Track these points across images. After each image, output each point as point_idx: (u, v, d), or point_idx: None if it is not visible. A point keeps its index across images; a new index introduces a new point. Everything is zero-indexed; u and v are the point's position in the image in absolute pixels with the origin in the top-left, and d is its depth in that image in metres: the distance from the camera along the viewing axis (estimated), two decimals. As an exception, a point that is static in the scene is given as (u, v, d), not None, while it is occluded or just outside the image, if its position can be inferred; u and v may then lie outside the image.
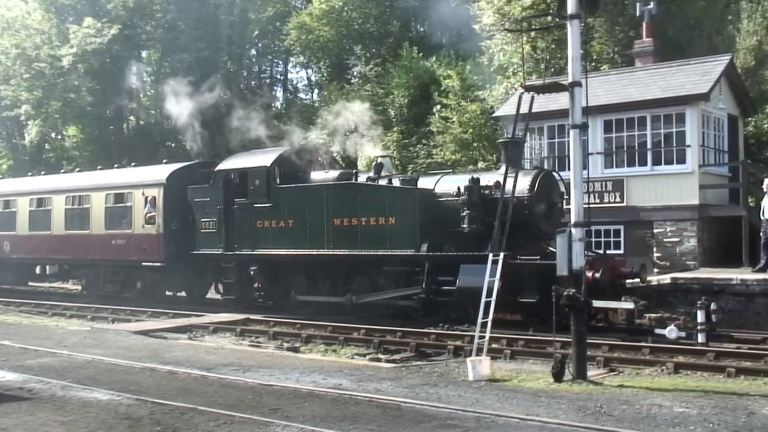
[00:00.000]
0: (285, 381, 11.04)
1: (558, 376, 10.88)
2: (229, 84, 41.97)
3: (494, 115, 23.63)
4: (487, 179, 16.26)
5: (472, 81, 28.46)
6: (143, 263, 22.12)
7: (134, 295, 22.93)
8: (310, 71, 46.98)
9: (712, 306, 13.10)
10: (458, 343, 14.07)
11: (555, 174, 17.10)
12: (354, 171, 19.18)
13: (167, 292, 23.61)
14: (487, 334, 11.91)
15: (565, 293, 10.88)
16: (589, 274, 13.93)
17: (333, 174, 19.10)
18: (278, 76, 49.58)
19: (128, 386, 10.51)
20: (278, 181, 19.16)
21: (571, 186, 11.22)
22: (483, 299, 11.93)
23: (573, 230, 11.06)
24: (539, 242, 16.21)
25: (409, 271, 16.79)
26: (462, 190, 16.10)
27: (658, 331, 13.27)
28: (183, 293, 23.59)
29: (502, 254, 12.33)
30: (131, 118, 41.99)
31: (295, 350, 14.64)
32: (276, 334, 16.20)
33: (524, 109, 14.33)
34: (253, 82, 47.58)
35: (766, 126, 22.09)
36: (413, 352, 13.98)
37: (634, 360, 12.45)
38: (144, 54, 43.05)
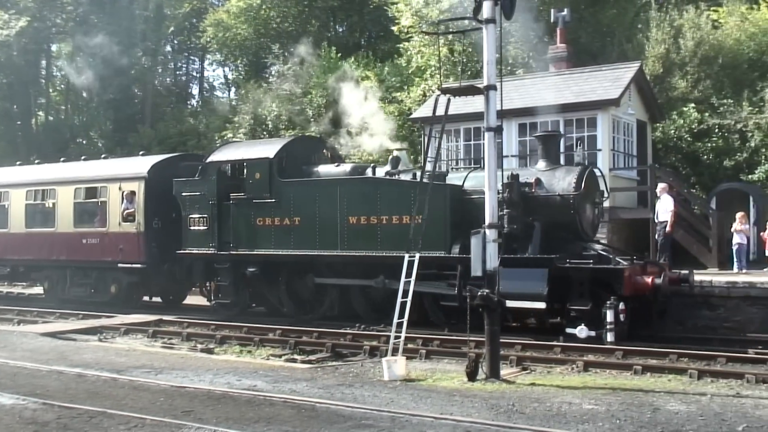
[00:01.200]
0: (198, 383, 10.84)
1: (472, 375, 11.02)
2: (144, 80, 41.19)
3: (411, 116, 23.81)
4: (526, 176, 14.94)
5: (390, 82, 28.60)
6: (120, 265, 20.10)
7: (107, 299, 20.72)
8: (227, 69, 46.45)
9: (621, 306, 13.45)
10: (374, 343, 14.10)
11: (597, 170, 16.00)
12: (372, 165, 17.48)
13: (144, 297, 21.49)
14: (403, 334, 11.96)
15: (479, 293, 11.04)
16: (649, 279, 13.75)
17: (345, 167, 17.45)
18: (194, 74, 48.86)
19: (34, 390, 10.13)
20: (282, 175, 17.37)
21: (486, 188, 11.39)
22: (399, 299, 11.97)
23: (487, 231, 11.23)
24: (581, 244, 15.20)
25: (436, 275, 15.20)
26: (499, 187, 14.52)
27: (569, 330, 13.57)
28: (158, 298, 21.67)
29: (417, 255, 12.36)
30: (40, 113, 40.61)
31: (210, 351, 14.40)
32: (190, 335, 15.91)
33: (441, 112, 14.43)
34: (168, 79, 46.73)
35: (672, 132, 22.90)
36: (329, 352, 13.95)
37: (546, 359, 12.72)
38: (54, 48, 41.75)
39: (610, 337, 13.06)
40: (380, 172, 16.79)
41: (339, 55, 32.01)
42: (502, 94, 11.50)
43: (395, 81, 28.58)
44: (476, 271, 11.24)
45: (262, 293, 18.37)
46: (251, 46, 38.40)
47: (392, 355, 11.77)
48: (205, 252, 18.29)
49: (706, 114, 22.70)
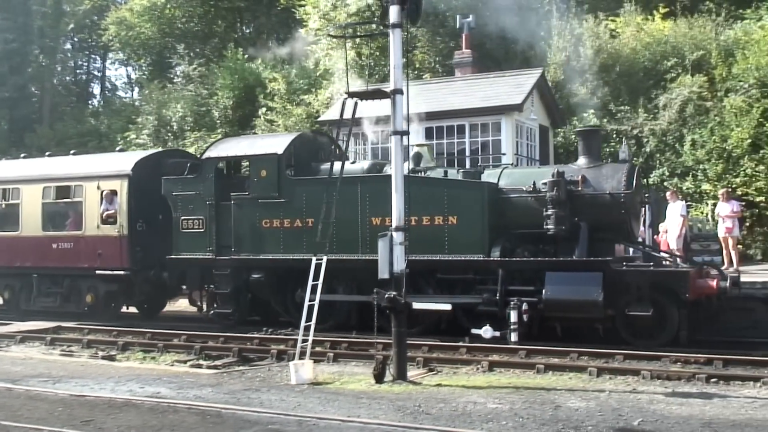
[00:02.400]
0: (99, 391, 10.55)
1: (379, 377, 11.09)
2: (42, 79, 39.77)
3: (319, 119, 23.78)
4: (569, 173, 14.04)
5: (297, 85, 28.51)
6: (98, 271, 18.16)
7: (81, 310, 18.70)
8: (130, 69, 45.35)
9: (524, 306, 13.75)
10: (282, 347, 13.98)
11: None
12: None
13: (124, 308, 19.61)
14: (310, 338, 11.92)
15: (386, 296, 11.12)
16: (713, 282, 13.16)
17: (362, 164, 16.13)
18: (96, 73, 47.50)
19: None
20: (292, 172, 15.97)
21: (393, 191, 11.48)
22: (306, 302, 11.93)
23: (394, 234, 11.32)
24: (628, 246, 14.69)
25: (471, 280, 14.32)
26: (540, 185, 13.86)
27: (474, 331, 13.77)
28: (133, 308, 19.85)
29: (325, 258, 12.34)
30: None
31: (111, 358, 13.99)
32: (90, 342, 15.40)
33: (349, 115, 14.45)
34: (68, 78, 45.29)
35: (573, 137, 23.59)
36: (236, 357, 13.73)
37: (452, 359, 12.88)
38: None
39: (513, 337, 13.31)
40: None
41: (246, 56, 31.70)
42: (408, 97, 11.60)
43: (303, 83, 28.49)
44: (383, 273, 11.29)
45: (265, 301, 16.64)
46: (155, 46, 37.65)
47: (300, 358, 11.72)
48: (201, 257, 16.62)
49: (605, 120, 23.48)
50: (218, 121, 30.19)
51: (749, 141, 20.16)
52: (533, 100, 21.13)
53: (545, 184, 13.71)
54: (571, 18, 26.36)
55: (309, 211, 15.38)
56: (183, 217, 16.87)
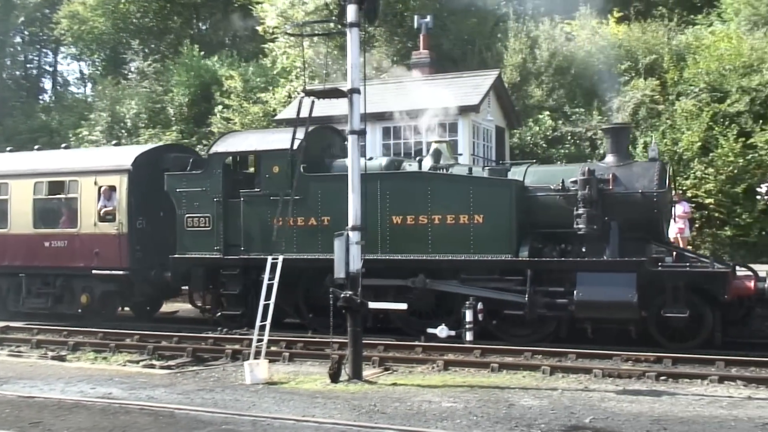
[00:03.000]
0: (48, 392, 10.36)
1: (335, 376, 11.08)
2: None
3: (276, 118, 23.64)
4: (599, 172, 13.67)
5: (254, 83, 28.31)
6: (94, 271, 17.31)
7: (76, 311, 17.81)
8: (83, 64, 44.57)
9: (479, 306, 13.85)
10: (237, 346, 13.88)
11: None
12: (418, 158, 15.67)
13: (120, 309, 18.70)
14: (266, 337, 11.87)
15: (342, 295, 11.12)
16: (751, 283, 12.94)
17: (380, 161, 15.68)
18: (47, 67, 46.61)
19: None
20: (305, 169, 15.21)
21: (350, 191, 11.48)
22: (261, 302, 11.86)
23: (350, 234, 11.32)
24: (659, 246, 14.36)
25: (497, 280, 13.96)
26: (569, 184, 13.54)
27: (430, 330, 13.82)
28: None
29: (281, 257, 12.28)
30: None
31: (62, 359, 13.75)
32: (40, 342, 15.12)
33: (306, 114, 14.40)
34: (18, 72, 44.38)
35: (528, 138, 23.82)
36: (190, 357, 13.60)
37: (408, 359, 12.92)
38: None
39: (469, 336, 13.39)
40: (416, 166, 15.27)
41: (202, 53, 31.39)
42: (365, 97, 11.60)
43: (260, 81, 28.30)
44: (339, 273, 11.28)
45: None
46: (109, 41, 37.02)
47: (255, 358, 11.66)
48: (207, 256, 15.93)
49: (560, 122, 23.76)
50: (173, 119, 29.83)
51: (699, 144, 20.56)
52: (490, 101, 21.27)
53: (573, 182, 13.49)
54: (527, 20, 26.62)
55: (325, 209, 14.90)
56: (188, 215, 16.13)
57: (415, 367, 12.45)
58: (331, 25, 13.05)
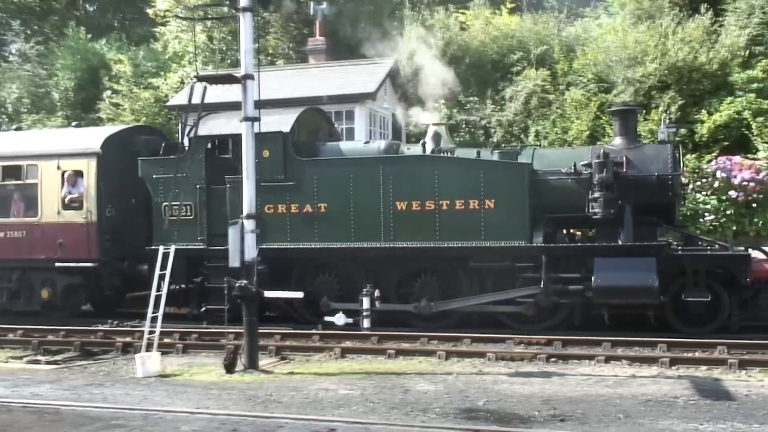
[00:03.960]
0: None
1: (230, 367, 10.92)
2: None
3: (168, 104, 23.05)
4: (612, 154, 13.24)
5: (145, 68, 27.48)
6: (58, 264, 15.88)
7: (33, 307, 16.37)
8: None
9: (377, 293, 13.90)
10: (128, 339, 13.51)
11: None
12: (422, 141, 14.87)
13: (83, 306, 17.12)
14: (158, 329, 11.56)
15: (237, 284, 10.95)
16: None
17: (377, 144, 15.02)
18: None
19: None
20: (299, 152, 14.45)
21: (244, 178, 11.29)
22: (153, 293, 11.54)
23: (245, 222, 11.15)
24: (671, 229, 14.20)
25: (508, 268, 13.49)
26: (581, 167, 13.21)
27: (327, 318, 13.79)
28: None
29: (173, 247, 11.96)
30: None
31: (-63, 357, 13.04)
32: None
33: (198, 99, 14.06)
34: None
35: (425, 125, 24.02)
36: (78, 351, 13.13)
37: (305, 347, 12.86)
38: None
39: (366, 323, 13.44)
40: (417, 150, 14.69)
41: (89, 36, 30.22)
42: (260, 83, 11.42)
43: (151, 66, 27.49)
44: (234, 262, 11.10)
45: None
46: (-13, 21, 35.20)
47: (147, 350, 11.35)
48: (189, 247, 14.59)
49: (455, 110, 24.06)
50: (59, 104, 28.64)
51: (587, 133, 21.19)
52: (386, 89, 21.38)
53: (584, 165, 13.24)
54: (423, 9, 26.82)
55: (322, 195, 14.16)
56: (166, 203, 14.72)
57: (312, 356, 12.40)
58: (225, 9, 12.73)
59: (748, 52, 21.07)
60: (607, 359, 11.33)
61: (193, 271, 15.02)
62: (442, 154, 14.18)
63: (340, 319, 13.40)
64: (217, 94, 15.67)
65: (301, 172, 14.30)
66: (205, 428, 7.86)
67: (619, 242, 12.95)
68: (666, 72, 20.55)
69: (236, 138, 13.79)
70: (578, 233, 15.60)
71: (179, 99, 21.28)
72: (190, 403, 9.04)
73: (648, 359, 11.23)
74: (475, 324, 13.75)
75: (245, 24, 11.16)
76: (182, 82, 24.89)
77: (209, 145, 15.25)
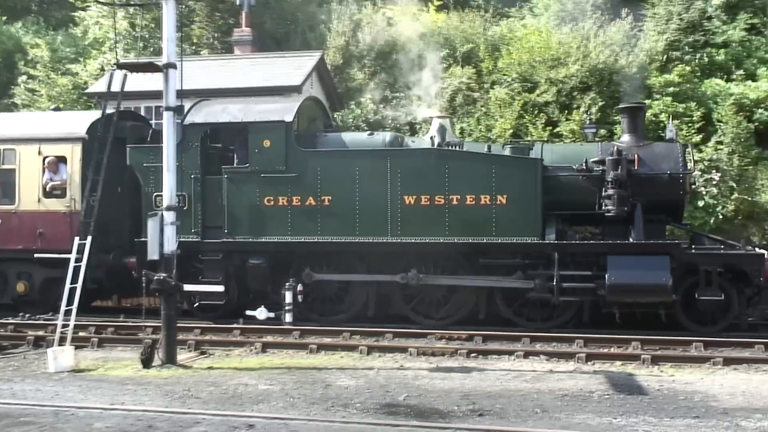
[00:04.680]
0: None
1: (147, 362, 10.71)
2: None
3: (87, 91, 22.40)
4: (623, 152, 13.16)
5: (63, 53, 26.63)
6: (37, 255, 14.84)
7: (8, 301, 15.32)
8: None
9: (299, 287, 13.82)
10: (40, 333, 13.09)
11: None
12: (431, 135, 14.47)
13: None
14: (71, 322, 11.23)
15: (156, 277, 10.72)
16: None
17: (383, 136, 14.50)
18: None
19: None
20: (301, 142, 13.92)
21: (164, 170, 11.05)
22: (67, 285, 11.21)
23: (165, 214, 10.93)
24: (678, 227, 14.14)
25: (519, 265, 13.16)
26: (592, 164, 13.08)
27: (248, 312, 13.65)
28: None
29: (89, 238, 11.64)
30: None
31: None
32: None
33: (117, 87, 13.69)
34: None
35: (351, 120, 23.98)
36: (-14, 345, 12.67)
37: (225, 342, 12.70)
38: None
39: (288, 317, 13.37)
40: (424, 143, 14.36)
41: (5, 18, 29.12)
42: (183, 73, 11.19)
43: (69, 52, 26.65)
44: (153, 254, 10.85)
45: (262, 291, 14.39)
46: None
47: (60, 344, 11.01)
48: (183, 240, 13.08)
49: (381, 106, 24.09)
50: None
51: (511, 131, 21.51)
52: (312, 83, 21.24)
53: (595, 162, 13.13)
54: (351, 3, 26.75)
55: (325, 188, 13.64)
56: (158, 193, 13.62)
57: (232, 350, 12.25)
58: (148, -5, 12.47)
59: (665, 56, 21.74)
60: (526, 354, 11.53)
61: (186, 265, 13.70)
62: (450, 148, 13.90)
63: (261, 313, 13.32)
64: (138, 82, 15.28)
65: (303, 164, 13.79)
66: (119, 425, 7.67)
67: (630, 240, 12.94)
68: (587, 74, 21.02)
69: (235, 126, 14.07)
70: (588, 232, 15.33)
71: (99, 86, 20.69)
72: (104, 398, 8.81)
73: (565, 354, 11.47)
74: (480, 322, 13.49)
75: (168, 11, 10.91)
76: (102, 69, 24.21)
77: (217, 134, 14.61)
